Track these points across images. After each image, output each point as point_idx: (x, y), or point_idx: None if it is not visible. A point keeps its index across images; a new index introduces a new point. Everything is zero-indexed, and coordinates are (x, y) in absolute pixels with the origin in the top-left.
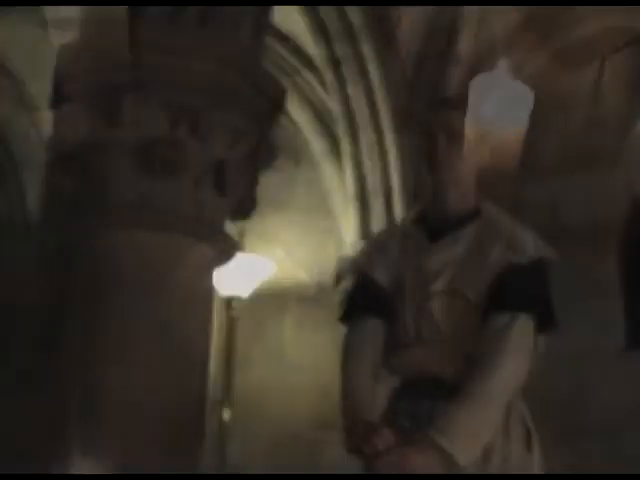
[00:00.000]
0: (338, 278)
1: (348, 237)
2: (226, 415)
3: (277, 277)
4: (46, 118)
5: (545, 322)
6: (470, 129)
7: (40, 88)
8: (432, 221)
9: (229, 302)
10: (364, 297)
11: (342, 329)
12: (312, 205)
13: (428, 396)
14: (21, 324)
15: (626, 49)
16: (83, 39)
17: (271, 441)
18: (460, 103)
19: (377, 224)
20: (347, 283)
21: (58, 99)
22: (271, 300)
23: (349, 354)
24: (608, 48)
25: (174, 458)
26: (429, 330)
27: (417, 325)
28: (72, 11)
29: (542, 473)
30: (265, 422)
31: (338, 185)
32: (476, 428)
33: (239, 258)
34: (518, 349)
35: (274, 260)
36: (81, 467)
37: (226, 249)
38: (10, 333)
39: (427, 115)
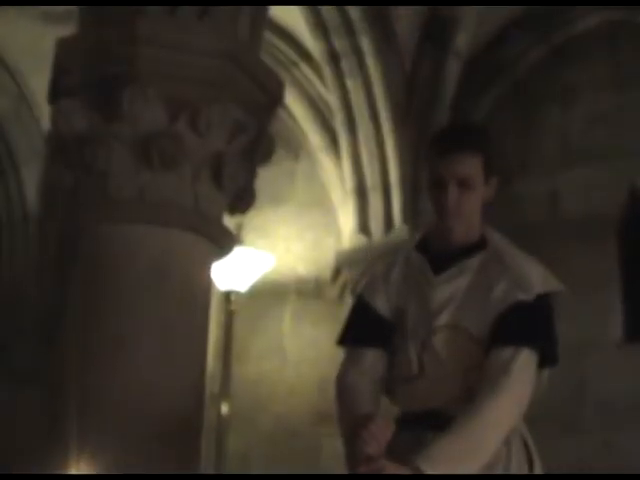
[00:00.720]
0: (337, 272)
1: (347, 231)
2: (225, 409)
3: (276, 271)
4: (45, 112)
5: (547, 357)
6: (480, 170)
7: (40, 82)
8: (436, 249)
9: (228, 296)
10: (364, 326)
11: (342, 323)
12: (311, 199)
13: (430, 428)
14: (21, 319)
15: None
16: (82, 32)
17: (270, 435)
18: (469, 142)
19: (375, 218)
20: (346, 276)
21: (57, 93)
22: (270, 294)
23: (346, 385)
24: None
25: (173, 452)
26: (432, 365)
27: (420, 360)
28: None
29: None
30: (264, 416)
31: (337, 179)
32: (463, 457)
33: (237, 252)
34: (519, 382)
35: (273, 254)
36: (79, 464)
37: (224, 243)
38: (10, 329)
39: (437, 164)
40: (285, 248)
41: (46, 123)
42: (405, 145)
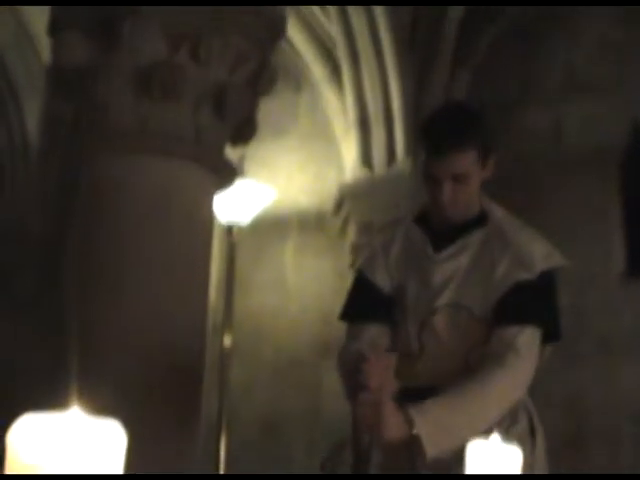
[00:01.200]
0: (339, 205)
1: (349, 162)
2: (227, 341)
3: (277, 203)
4: (46, 45)
5: (550, 333)
6: (476, 161)
7: (40, 15)
8: (435, 223)
9: (229, 228)
10: (365, 303)
11: (344, 256)
12: (313, 131)
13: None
14: (23, 251)
15: None
16: None
17: (272, 367)
18: (462, 140)
19: (378, 150)
20: (349, 209)
21: (57, 25)
22: (272, 226)
23: (349, 351)
24: None
25: (175, 387)
26: (432, 344)
27: (420, 338)
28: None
29: (545, 472)
30: (266, 348)
31: (339, 110)
32: (457, 422)
33: (239, 184)
34: (524, 360)
35: (274, 186)
36: (80, 399)
37: (226, 175)
38: (12, 259)
39: (429, 162)
40: (287, 180)
41: (46, 55)
42: (408, 76)
